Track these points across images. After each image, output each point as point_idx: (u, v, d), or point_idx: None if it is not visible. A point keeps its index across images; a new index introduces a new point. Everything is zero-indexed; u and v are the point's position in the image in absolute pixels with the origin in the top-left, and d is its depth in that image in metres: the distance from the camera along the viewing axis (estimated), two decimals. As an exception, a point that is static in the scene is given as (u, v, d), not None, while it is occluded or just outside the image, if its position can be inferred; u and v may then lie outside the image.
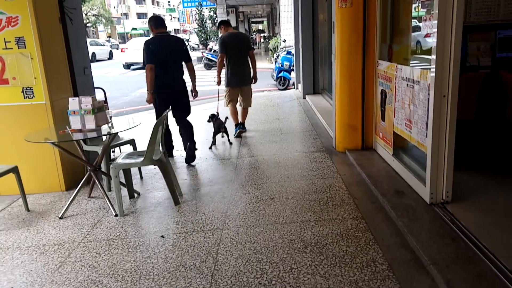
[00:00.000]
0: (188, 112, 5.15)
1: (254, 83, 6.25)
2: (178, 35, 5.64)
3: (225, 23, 6.15)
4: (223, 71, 6.03)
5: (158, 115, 4.86)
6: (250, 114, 7.00)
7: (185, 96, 5.07)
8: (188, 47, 5.30)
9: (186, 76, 5.13)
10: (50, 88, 4.15)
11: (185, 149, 5.16)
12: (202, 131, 6.78)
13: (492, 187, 3.44)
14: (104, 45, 30.18)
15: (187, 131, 5.11)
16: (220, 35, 6.17)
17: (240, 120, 6.37)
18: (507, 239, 2.67)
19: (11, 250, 3.21)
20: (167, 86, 4.87)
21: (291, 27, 11.77)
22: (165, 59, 4.78)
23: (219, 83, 6.03)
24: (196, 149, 5.27)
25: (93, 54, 25.58)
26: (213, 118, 5.87)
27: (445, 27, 2.93)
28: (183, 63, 5.04)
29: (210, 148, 5.71)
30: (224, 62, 5.94)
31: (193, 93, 5.30)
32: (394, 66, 3.91)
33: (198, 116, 8.12)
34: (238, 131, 6.21)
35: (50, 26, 4.25)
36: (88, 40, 29.96)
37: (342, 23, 4.57)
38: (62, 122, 4.11)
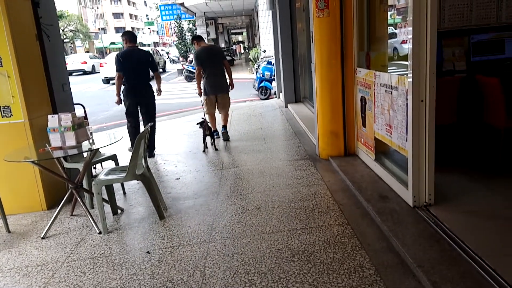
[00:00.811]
0: (153, 112, 6.04)
1: (231, 89, 6.65)
2: (157, 48, 7.07)
3: (197, 38, 6.67)
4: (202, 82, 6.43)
5: (127, 113, 5.91)
6: (234, 124, 7.07)
7: (150, 99, 5.94)
8: (154, 59, 6.17)
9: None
10: (28, 106, 4.10)
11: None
12: (185, 144, 6.76)
13: (474, 189, 3.51)
14: (101, 58, 33.61)
15: (151, 128, 5.70)
16: (195, 49, 6.63)
17: (222, 123, 6.73)
18: (490, 239, 2.73)
19: (-8, 273, 3.13)
20: (133, 90, 5.80)
21: (271, 37, 11.89)
22: (132, 69, 5.71)
23: (200, 93, 6.46)
24: (154, 148, 6.21)
25: (93, 66, 29.31)
26: (202, 123, 6.16)
27: (420, 33, 3.01)
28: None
29: (204, 151, 6.08)
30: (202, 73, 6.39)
31: (158, 93, 6.16)
32: (373, 73, 3.99)
33: (181, 128, 8.10)
34: (215, 136, 6.57)
35: (27, 44, 4.21)
36: (89, 54, 33.55)
37: (320, 32, 4.65)
38: (41, 140, 4.05)
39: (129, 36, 5.84)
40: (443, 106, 3.25)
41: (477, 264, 2.44)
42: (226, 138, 6.64)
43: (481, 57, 4.07)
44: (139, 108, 5.91)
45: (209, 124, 6.36)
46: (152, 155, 6.01)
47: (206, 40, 6.42)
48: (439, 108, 3.09)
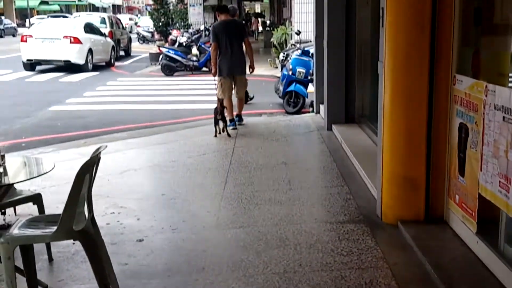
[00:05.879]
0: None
1: (252, 72, 9.63)
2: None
3: (220, 9, 9.71)
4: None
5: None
6: (238, 153, 7.17)
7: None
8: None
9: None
10: None
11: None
12: (156, 182, 6.81)
13: None
14: None
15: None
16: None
17: (236, 112, 9.42)
18: None
19: None
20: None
21: (310, 10, 12.03)
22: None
23: (215, 73, 9.29)
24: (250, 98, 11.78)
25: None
26: (215, 110, 8.81)
27: None
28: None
29: (215, 136, 8.90)
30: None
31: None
32: (483, 86, 3.99)
33: (151, 154, 8.18)
34: (231, 127, 9.19)
35: None
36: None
37: (396, 10, 4.69)
38: None
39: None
40: None
41: None
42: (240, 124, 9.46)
43: None
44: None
45: (220, 108, 8.74)
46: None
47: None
48: None
